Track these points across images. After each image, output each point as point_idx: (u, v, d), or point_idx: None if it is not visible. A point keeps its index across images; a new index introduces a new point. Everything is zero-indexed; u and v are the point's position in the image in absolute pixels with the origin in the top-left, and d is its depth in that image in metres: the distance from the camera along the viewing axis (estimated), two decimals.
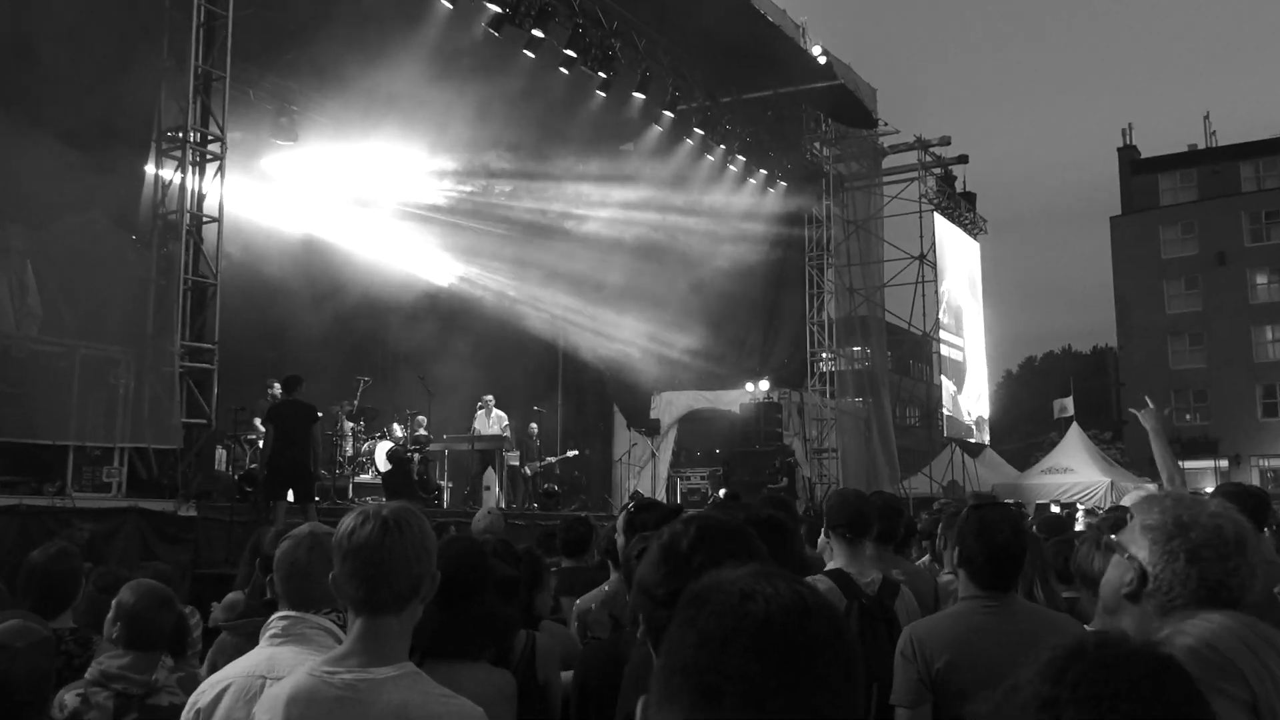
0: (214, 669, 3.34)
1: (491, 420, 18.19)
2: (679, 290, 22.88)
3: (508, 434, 18.26)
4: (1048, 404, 37.34)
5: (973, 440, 31.58)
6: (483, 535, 6.17)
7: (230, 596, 5.36)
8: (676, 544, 1.86)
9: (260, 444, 13.32)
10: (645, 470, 23.88)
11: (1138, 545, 2.07)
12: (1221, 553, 1.97)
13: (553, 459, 20.24)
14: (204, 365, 12.47)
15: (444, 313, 19.52)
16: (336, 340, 17.43)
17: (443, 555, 2.59)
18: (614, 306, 22.83)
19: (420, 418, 17.50)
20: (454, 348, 18.79)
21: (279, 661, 2.82)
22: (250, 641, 3.02)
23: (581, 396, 24.17)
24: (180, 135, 12.66)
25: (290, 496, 11.96)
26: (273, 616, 2.97)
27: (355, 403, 17.08)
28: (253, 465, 13.88)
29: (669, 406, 24.60)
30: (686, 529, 1.89)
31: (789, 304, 26.22)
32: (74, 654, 4.05)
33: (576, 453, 20.89)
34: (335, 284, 17.56)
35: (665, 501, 22.08)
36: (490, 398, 18.34)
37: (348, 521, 2.42)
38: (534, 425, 19.76)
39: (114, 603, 3.72)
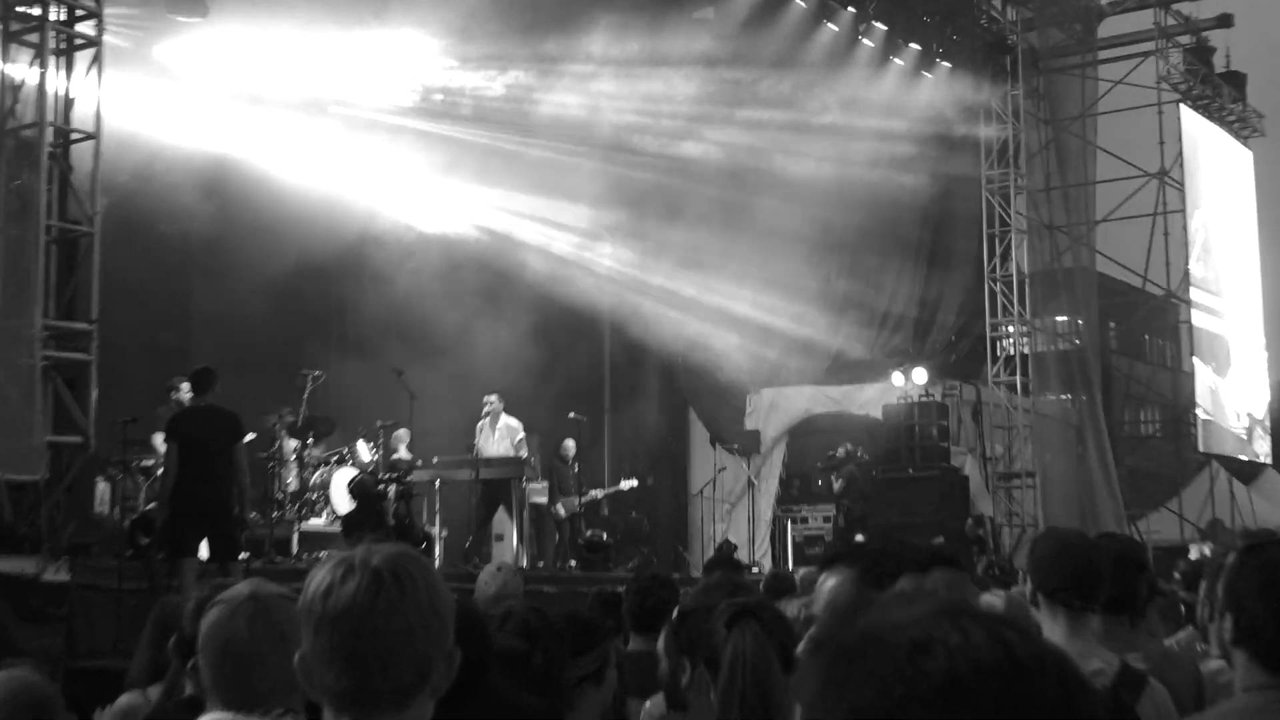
0: None
1: (498, 434, 18.26)
2: (786, 234, 22.80)
3: (525, 452, 18.35)
4: None
5: (1245, 458, 31.13)
6: (495, 605, 6.19)
7: (125, 700, 5.45)
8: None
9: (160, 473, 13.41)
10: (739, 508, 23.88)
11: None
12: None
13: (599, 493, 20.31)
14: (77, 355, 12.63)
15: (430, 272, 19.59)
16: (272, 315, 17.58)
17: None
18: (688, 262, 22.81)
19: (400, 432, 17.60)
20: (446, 326, 18.87)
21: None
22: None
23: (641, 398, 24.19)
24: (37, 13, 12.83)
25: (204, 551, 12.10)
26: None
27: (301, 410, 17.23)
28: (150, 505, 14.03)
29: (774, 411, 24.59)
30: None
31: (956, 252, 26.04)
32: None
33: (635, 484, 20.91)
34: (269, 231, 17.67)
35: (772, 551, 22.10)
36: (495, 400, 18.38)
37: (321, 575, 2.43)
38: (570, 442, 19.86)
39: None
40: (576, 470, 19.83)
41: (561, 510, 19.45)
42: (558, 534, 19.52)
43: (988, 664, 1.19)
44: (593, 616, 4.98)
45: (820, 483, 23.75)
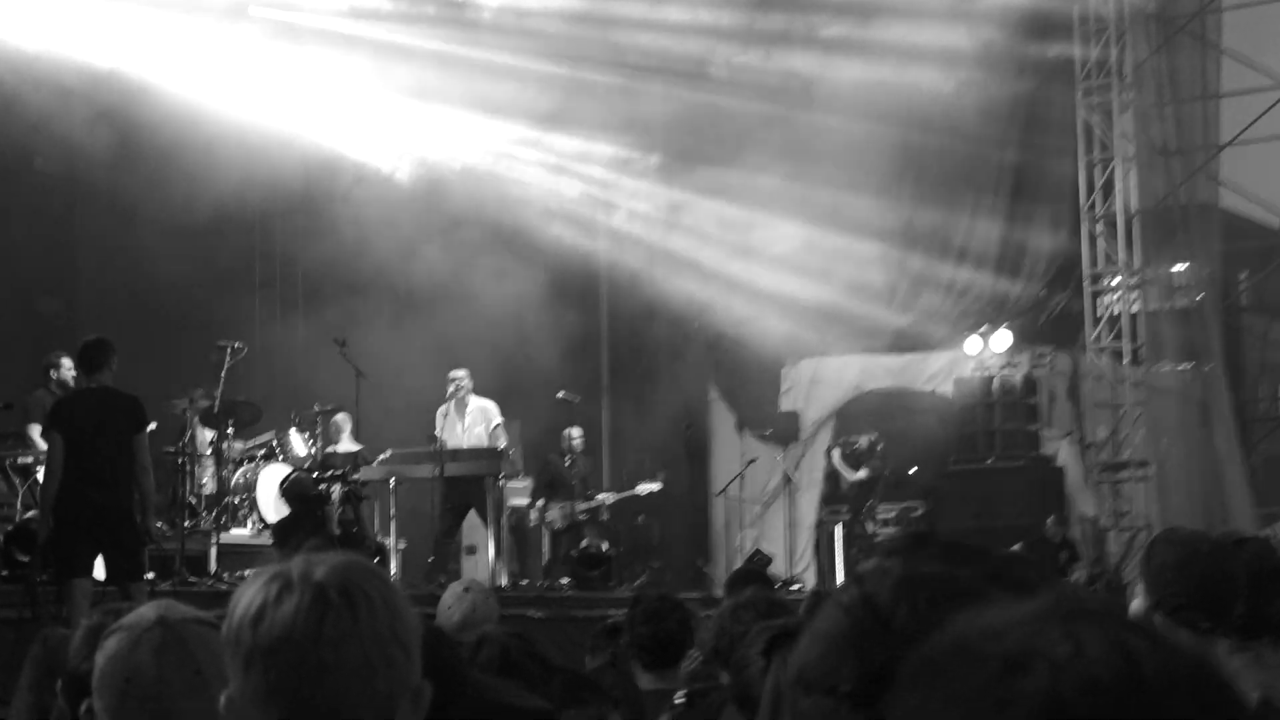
0: None
1: (468, 419, 18.31)
2: (830, 163, 22.75)
3: (502, 442, 18.35)
4: None
5: None
6: (463, 634, 6.24)
7: None
8: (873, 597, 1.84)
9: (41, 473, 13.42)
10: (774, 510, 23.89)
11: None
12: None
13: (608, 497, 20.32)
14: None
15: (383, 218, 19.55)
16: (180, 274, 17.57)
17: None
18: (706, 196, 22.78)
19: (339, 417, 17.67)
20: (404, 285, 18.84)
21: None
22: None
23: (649, 373, 24.16)
24: None
25: (99, 570, 12.11)
26: None
27: (218, 393, 17.14)
28: (30, 513, 14.08)
29: (816, 387, 24.54)
30: (884, 573, 1.88)
31: (1046, 183, 25.90)
32: None
33: (658, 487, 20.55)
34: (177, 167, 17.66)
35: (816, 564, 22.11)
36: (462, 376, 18.41)
37: (251, 595, 2.38)
38: (576, 430, 19.90)
39: None
40: (572, 463, 19.84)
41: (558, 519, 19.48)
42: (553, 546, 19.54)
43: (1103, 682, 1.14)
44: (591, 677, 4.97)
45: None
